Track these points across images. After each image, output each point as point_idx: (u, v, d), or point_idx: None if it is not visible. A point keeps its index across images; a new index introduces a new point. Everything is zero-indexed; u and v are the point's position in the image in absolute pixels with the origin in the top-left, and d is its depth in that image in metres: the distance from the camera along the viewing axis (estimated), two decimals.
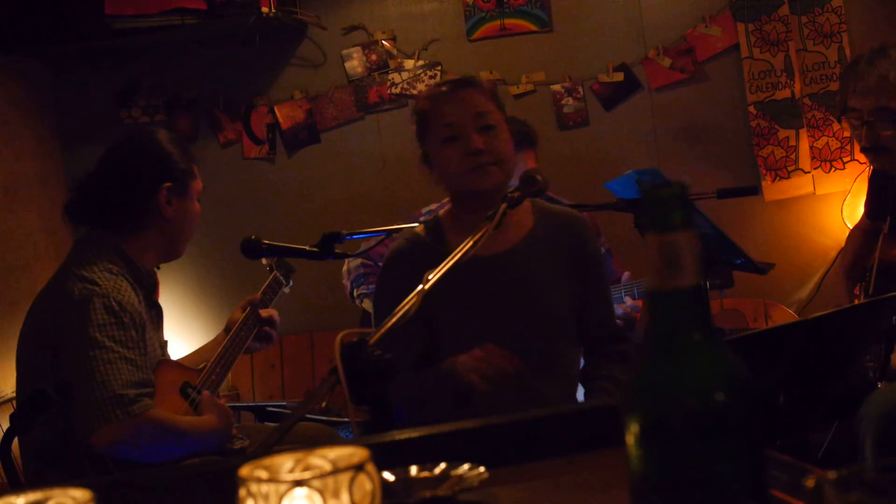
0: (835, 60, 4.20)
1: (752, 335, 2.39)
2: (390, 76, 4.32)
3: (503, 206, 1.95)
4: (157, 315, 2.59)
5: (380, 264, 3.58)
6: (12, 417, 2.31)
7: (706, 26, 4.23)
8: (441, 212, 2.40)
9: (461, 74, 4.27)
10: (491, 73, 4.24)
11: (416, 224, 2.50)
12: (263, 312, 2.76)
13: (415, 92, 4.32)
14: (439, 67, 4.31)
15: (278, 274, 2.89)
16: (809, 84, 4.23)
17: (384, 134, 4.34)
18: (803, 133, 4.22)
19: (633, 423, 0.77)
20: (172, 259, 2.65)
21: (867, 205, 3.14)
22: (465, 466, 1.17)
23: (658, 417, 0.76)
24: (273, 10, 3.88)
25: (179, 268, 3.79)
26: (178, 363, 2.59)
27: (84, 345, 2.28)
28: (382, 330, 1.59)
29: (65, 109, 4.35)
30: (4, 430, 2.34)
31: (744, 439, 0.76)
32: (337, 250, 2.53)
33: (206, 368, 2.58)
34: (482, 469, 1.15)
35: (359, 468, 0.79)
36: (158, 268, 2.62)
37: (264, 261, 2.90)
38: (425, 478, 1.16)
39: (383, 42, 4.32)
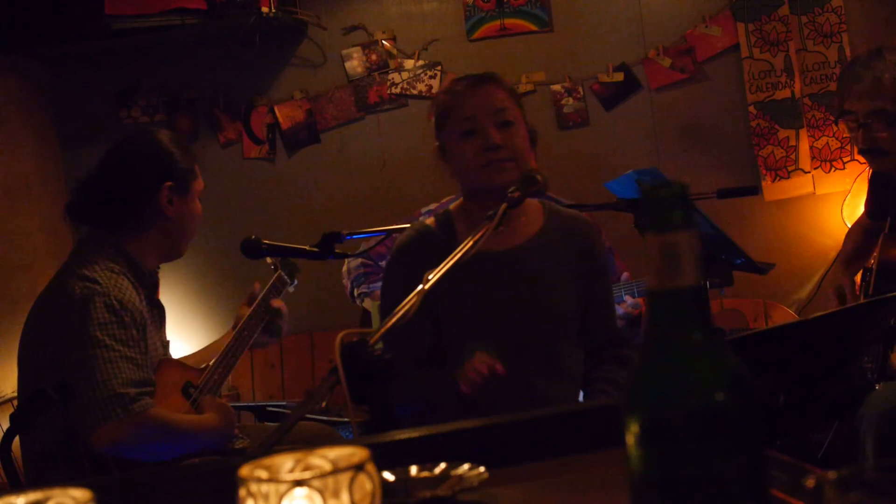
0: (835, 60, 4.20)
1: (752, 335, 2.39)
2: (390, 76, 4.32)
3: (503, 205, 1.95)
4: (158, 314, 2.59)
5: (380, 264, 3.60)
6: (12, 417, 2.31)
7: (706, 26, 4.23)
8: (451, 206, 2.41)
9: (461, 74, 4.29)
10: None
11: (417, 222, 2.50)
12: (274, 302, 2.76)
13: (415, 92, 4.32)
14: (439, 67, 4.31)
15: (283, 273, 2.89)
16: (809, 84, 4.23)
17: (384, 134, 4.34)
18: (803, 133, 4.22)
19: (633, 423, 0.77)
20: (174, 259, 2.65)
21: (867, 204, 3.14)
22: (465, 466, 1.17)
23: (658, 417, 0.76)
24: (273, 10, 3.88)
25: (179, 268, 3.79)
26: (180, 362, 2.59)
27: (85, 343, 2.28)
28: (382, 329, 1.59)
29: (65, 109, 4.35)
30: (4, 430, 2.34)
31: (744, 439, 0.75)
32: (337, 250, 2.53)
33: (209, 368, 2.58)
34: (482, 469, 1.15)
35: (359, 468, 0.79)
36: (158, 268, 2.62)
37: (269, 260, 2.91)
38: (425, 478, 1.16)
39: (383, 42, 4.32)
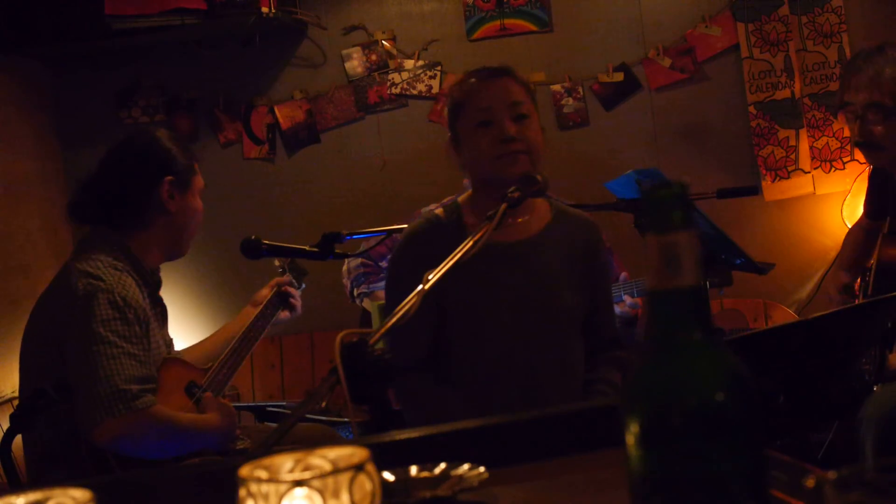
0: (835, 60, 4.20)
1: (752, 335, 2.39)
2: (390, 76, 4.32)
3: (503, 205, 1.95)
4: (161, 313, 2.60)
5: (380, 264, 3.60)
6: (12, 417, 2.31)
7: (706, 26, 4.23)
8: (460, 198, 2.41)
9: (461, 74, 4.29)
10: None
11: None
12: (284, 289, 2.82)
13: (415, 92, 4.32)
14: (439, 67, 4.31)
15: (290, 276, 2.91)
16: (809, 84, 4.23)
17: (384, 134, 4.34)
18: (803, 133, 4.22)
19: (633, 423, 0.77)
20: (177, 256, 2.65)
21: (867, 204, 3.15)
22: (465, 466, 1.17)
23: (658, 417, 0.76)
24: (273, 10, 3.88)
25: (179, 267, 3.79)
26: (184, 361, 2.60)
27: (88, 339, 2.28)
28: (382, 330, 1.59)
29: (65, 109, 4.35)
30: (4, 430, 2.34)
31: (744, 439, 0.75)
32: (337, 250, 2.53)
33: (213, 367, 2.59)
34: (482, 469, 1.15)
35: (359, 468, 0.79)
36: (158, 267, 2.63)
37: (277, 262, 2.93)
38: (425, 478, 1.16)
39: (383, 42, 4.32)
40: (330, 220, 4.04)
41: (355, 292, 3.66)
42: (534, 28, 4.28)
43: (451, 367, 2.31)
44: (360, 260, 3.60)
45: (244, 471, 0.79)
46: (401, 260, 2.35)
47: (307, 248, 2.52)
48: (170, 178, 2.52)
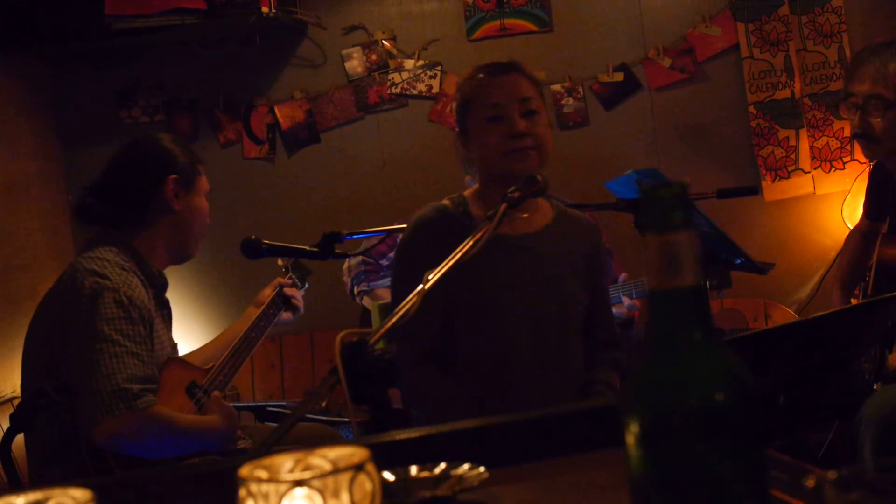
0: (835, 60, 4.20)
1: (752, 335, 2.39)
2: (390, 76, 4.32)
3: (503, 206, 1.95)
4: (167, 314, 2.60)
5: (381, 262, 3.60)
6: (12, 417, 2.31)
7: (706, 26, 4.23)
8: (466, 192, 2.42)
9: (461, 75, 4.30)
10: None
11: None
12: (287, 291, 2.83)
13: (415, 92, 4.32)
14: (439, 67, 4.31)
15: (294, 276, 2.91)
16: (809, 84, 4.23)
17: (384, 134, 4.34)
18: (803, 133, 4.22)
19: (633, 423, 0.77)
20: (184, 259, 2.66)
21: (866, 204, 3.15)
22: (465, 466, 1.17)
23: (658, 417, 0.76)
24: (273, 10, 3.88)
25: (179, 267, 3.77)
26: (185, 361, 2.60)
27: (91, 337, 2.29)
28: (383, 329, 1.59)
29: (65, 109, 4.35)
30: (5, 430, 2.34)
31: (744, 439, 0.75)
32: (337, 250, 2.53)
33: (214, 368, 2.60)
34: (482, 469, 1.15)
35: (359, 468, 0.79)
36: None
37: (280, 262, 2.93)
38: (425, 478, 1.16)
39: (383, 42, 4.32)
40: (330, 220, 4.05)
41: (356, 290, 3.66)
42: (534, 28, 4.28)
43: (457, 358, 2.31)
44: (360, 258, 3.60)
45: (244, 471, 0.79)
46: (410, 245, 2.36)
47: (307, 248, 2.53)
48: (174, 177, 2.53)
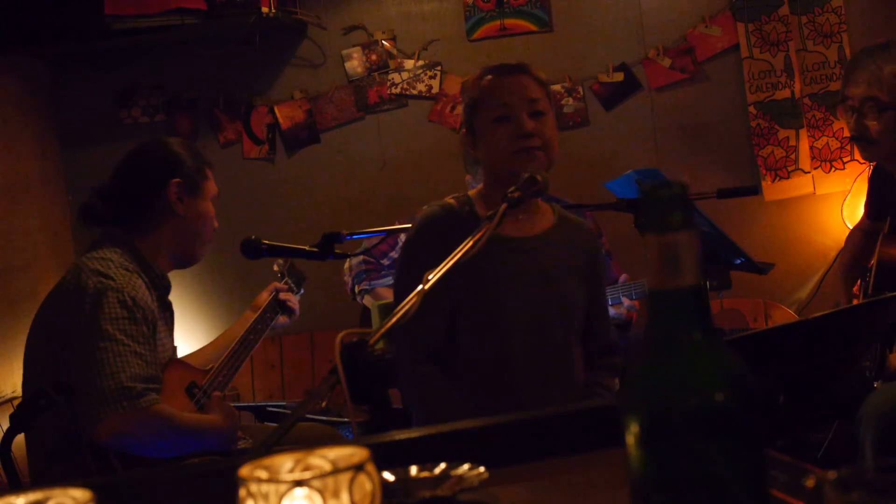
0: (835, 60, 4.20)
1: (752, 335, 2.39)
2: (390, 76, 4.32)
3: (503, 206, 1.95)
4: (169, 317, 2.61)
5: (381, 262, 3.60)
6: (12, 417, 2.31)
7: (706, 26, 4.23)
8: (471, 192, 2.43)
9: (461, 74, 4.31)
10: None
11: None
12: (283, 295, 2.85)
13: (415, 92, 4.32)
14: (439, 67, 4.31)
15: (289, 281, 2.92)
16: (809, 84, 4.23)
17: (384, 134, 4.34)
18: (803, 133, 4.22)
19: (633, 423, 0.77)
20: (189, 263, 2.65)
21: (867, 205, 3.15)
22: (465, 466, 1.17)
23: (658, 417, 0.76)
24: (273, 10, 3.88)
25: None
26: (184, 363, 2.61)
27: (95, 336, 2.29)
28: (382, 329, 1.59)
29: (65, 109, 4.35)
30: (4, 430, 2.34)
31: (744, 439, 0.75)
32: (337, 250, 2.53)
33: (214, 369, 2.61)
34: (482, 469, 1.15)
35: (359, 468, 0.79)
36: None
37: (276, 267, 2.94)
38: (425, 478, 1.16)
39: (383, 42, 4.32)
40: (330, 220, 4.05)
41: (356, 289, 3.66)
42: (534, 28, 4.28)
43: (457, 358, 2.32)
44: (361, 257, 3.60)
45: (244, 471, 0.79)
46: (416, 243, 2.36)
47: (307, 248, 2.53)
48: (177, 180, 2.53)
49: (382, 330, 1.58)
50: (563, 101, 4.27)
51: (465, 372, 2.31)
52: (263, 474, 0.80)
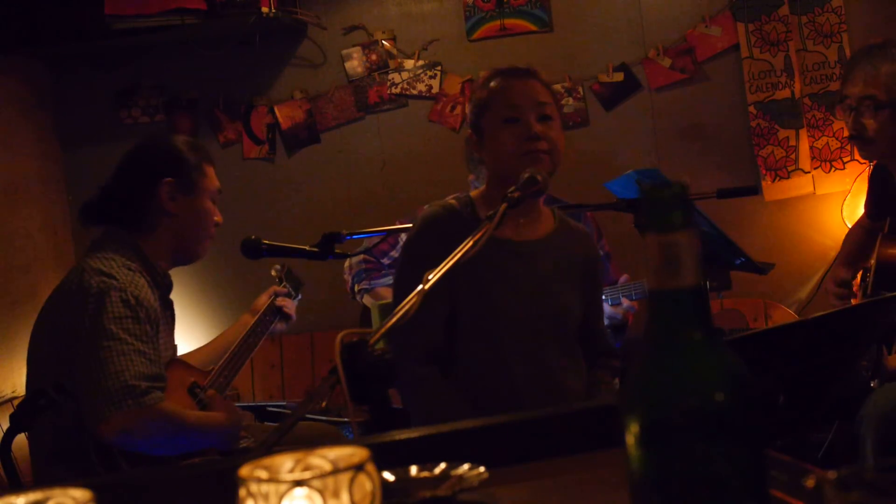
0: (835, 60, 4.20)
1: (752, 335, 2.39)
2: (390, 76, 4.32)
3: (503, 206, 1.95)
4: (170, 316, 2.61)
5: (382, 261, 3.60)
6: (12, 417, 2.31)
7: (706, 26, 4.23)
8: (472, 193, 2.43)
9: (461, 74, 4.31)
10: None
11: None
12: (279, 301, 2.87)
13: (415, 92, 4.32)
14: (439, 67, 4.31)
15: (288, 285, 2.93)
16: (809, 84, 4.23)
17: (384, 134, 4.34)
18: (803, 133, 4.22)
19: (633, 423, 0.77)
20: (189, 261, 2.66)
21: (867, 205, 3.15)
22: (465, 466, 1.17)
23: (658, 417, 0.76)
24: (273, 10, 3.88)
25: (178, 268, 3.79)
26: (186, 363, 2.61)
27: (99, 335, 2.29)
28: (382, 329, 1.59)
29: (65, 109, 4.35)
30: (4, 430, 2.34)
31: (744, 439, 0.75)
32: (337, 250, 2.54)
33: (215, 370, 2.61)
34: (482, 469, 1.15)
35: (359, 468, 0.79)
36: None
37: (274, 272, 2.94)
38: (425, 478, 1.16)
39: (383, 42, 4.32)
40: (330, 220, 4.05)
41: (356, 288, 3.66)
42: (534, 28, 4.28)
43: (456, 360, 2.32)
44: (362, 256, 3.60)
45: (244, 471, 0.79)
46: (417, 243, 2.36)
47: (307, 248, 2.53)
48: (169, 180, 2.53)
49: (382, 330, 1.58)
50: (563, 101, 4.27)
51: (463, 374, 2.31)
52: (263, 474, 0.80)
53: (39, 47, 4.00)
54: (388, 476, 1.15)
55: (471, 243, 1.80)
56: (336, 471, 0.79)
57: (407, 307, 1.61)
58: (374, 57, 4.33)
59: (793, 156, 4.22)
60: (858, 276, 3.09)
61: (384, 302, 3.30)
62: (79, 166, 4.28)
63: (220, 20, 3.87)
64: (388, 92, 4.32)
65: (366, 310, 3.65)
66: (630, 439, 0.77)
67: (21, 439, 2.42)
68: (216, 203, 2.65)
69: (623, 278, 3.32)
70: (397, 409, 2.36)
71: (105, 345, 2.28)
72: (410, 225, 2.51)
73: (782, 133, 4.22)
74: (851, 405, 2.51)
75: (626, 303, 3.23)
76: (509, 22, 4.28)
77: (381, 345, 1.59)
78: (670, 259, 0.77)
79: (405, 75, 4.32)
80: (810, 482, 0.68)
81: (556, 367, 2.33)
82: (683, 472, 0.75)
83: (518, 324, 2.30)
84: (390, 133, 4.33)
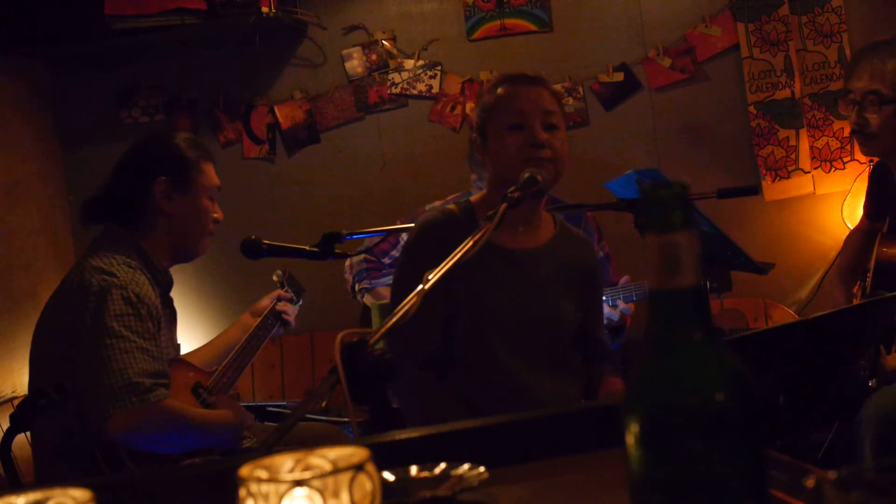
0: (835, 60, 4.20)
1: (752, 335, 2.39)
2: (390, 76, 4.32)
3: (503, 206, 1.95)
4: (171, 314, 2.61)
5: (383, 260, 3.60)
6: (12, 417, 2.31)
7: (706, 26, 4.23)
8: (472, 198, 2.43)
9: (461, 74, 4.31)
10: (491, 73, 4.24)
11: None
12: (280, 306, 2.87)
13: (415, 92, 4.32)
14: (439, 67, 4.31)
15: (289, 290, 2.93)
16: (809, 84, 4.23)
17: (384, 134, 4.34)
18: (803, 133, 4.22)
19: (633, 423, 0.77)
20: (187, 258, 2.66)
21: (866, 205, 3.15)
22: (465, 466, 1.17)
23: (658, 417, 0.76)
24: (273, 10, 3.88)
25: (178, 267, 3.78)
26: (189, 363, 2.61)
27: (101, 333, 2.29)
28: (382, 329, 1.59)
29: (65, 109, 4.34)
30: (4, 430, 2.34)
31: (744, 439, 0.75)
32: (337, 250, 2.54)
33: (219, 370, 2.62)
34: (482, 469, 1.15)
35: (359, 468, 0.79)
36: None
37: (275, 277, 2.95)
38: (425, 478, 1.16)
39: (383, 42, 4.32)
40: (330, 220, 4.04)
41: (357, 287, 3.66)
42: (534, 28, 4.28)
43: (452, 364, 2.32)
44: (363, 255, 3.60)
45: (244, 471, 0.79)
46: (415, 247, 2.36)
47: (307, 248, 2.53)
48: (163, 178, 2.53)
49: (382, 330, 1.58)
50: (563, 101, 4.27)
51: (459, 378, 2.31)
52: (263, 474, 0.80)
53: (39, 47, 4.00)
54: (388, 476, 1.15)
55: (471, 243, 1.80)
56: (336, 471, 0.79)
57: (407, 307, 1.61)
58: (374, 57, 4.33)
59: (793, 156, 4.22)
60: (858, 283, 3.10)
61: (384, 302, 3.30)
62: (79, 166, 4.28)
63: (220, 20, 3.87)
64: (388, 92, 4.32)
65: (366, 310, 3.65)
66: (630, 439, 0.77)
67: (21, 439, 2.42)
68: (215, 200, 2.65)
69: (623, 279, 3.32)
70: (397, 409, 2.36)
71: (107, 343, 2.28)
72: (411, 225, 2.51)
73: (782, 133, 4.22)
74: (852, 405, 2.51)
75: (622, 305, 3.22)
76: (509, 22, 4.28)
77: (381, 345, 1.59)
78: (670, 259, 0.77)
79: (405, 75, 4.32)
80: (810, 482, 0.68)
81: (551, 374, 2.33)
82: (683, 472, 0.75)
83: (513, 330, 2.30)
84: (390, 133, 4.33)
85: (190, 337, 4.12)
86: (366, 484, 0.79)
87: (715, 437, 0.75)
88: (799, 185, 4.22)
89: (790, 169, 4.22)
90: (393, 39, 4.33)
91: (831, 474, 0.67)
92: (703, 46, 4.24)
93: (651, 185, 0.78)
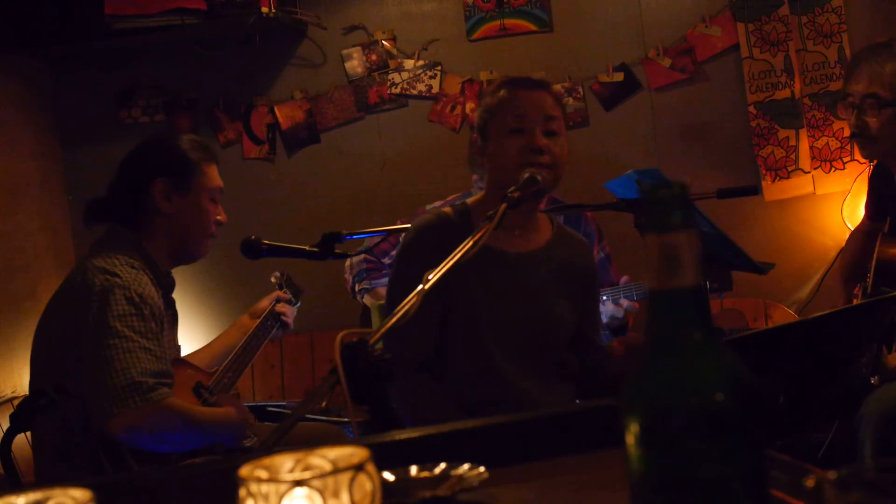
0: (835, 60, 4.20)
1: (752, 335, 2.39)
2: (390, 76, 4.32)
3: (503, 206, 1.95)
4: (173, 316, 2.61)
5: (383, 261, 3.60)
6: (12, 417, 2.31)
7: (706, 26, 4.23)
8: (469, 200, 2.43)
9: (461, 75, 4.31)
10: (491, 73, 4.24)
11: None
12: (279, 307, 2.87)
13: (415, 92, 4.32)
14: (439, 67, 4.31)
15: (287, 292, 2.93)
16: (809, 84, 4.23)
17: (384, 134, 4.34)
18: (803, 133, 4.22)
19: (633, 423, 0.77)
20: (188, 260, 2.66)
21: (867, 205, 3.15)
22: (465, 466, 1.17)
23: (658, 417, 0.76)
24: (273, 10, 3.88)
25: (178, 267, 3.79)
26: (190, 363, 2.62)
27: (104, 333, 2.29)
28: (382, 329, 1.59)
29: (65, 109, 4.35)
30: (5, 430, 2.34)
31: (744, 439, 0.75)
32: (337, 250, 2.54)
33: (220, 370, 2.62)
34: (482, 469, 1.15)
35: (359, 468, 0.79)
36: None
37: (273, 279, 2.95)
38: (425, 478, 1.16)
39: (383, 42, 4.32)
40: (330, 220, 4.04)
41: (357, 287, 3.66)
42: (534, 28, 4.28)
43: (447, 368, 2.32)
44: (363, 256, 3.60)
45: (244, 471, 0.79)
46: (409, 251, 2.36)
47: (307, 248, 2.53)
48: (162, 179, 2.53)
49: (382, 330, 1.58)
50: (563, 101, 4.27)
51: (454, 381, 2.31)
52: (263, 474, 0.80)
53: (39, 47, 4.00)
54: (388, 476, 1.15)
55: (470, 244, 1.80)
56: (336, 471, 0.79)
57: (406, 307, 1.61)
58: (374, 57, 4.33)
59: (793, 156, 4.22)
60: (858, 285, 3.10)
61: (384, 302, 3.31)
62: (79, 166, 4.28)
63: (220, 20, 3.87)
64: (388, 92, 4.32)
65: (366, 310, 3.65)
66: (630, 439, 0.77)
67: (21, 439, 2.42)
68: (217, 202, 2.65)
69: (623, 280, 3.32)
70: (397, 409, 2.36)
71: (110, 343, 2.29)
72: (409, 225, 2.51)
73: (782, 133, 4.22)
74: (852, 405, 2.51)
75: (626, 303, 3.22)
76: (509, 22, 4.28)
77: (381, 345, 1.59)
78: (670, 259, 0.77)
79: (405, 75, 4.32)
80: (810, 482, 0.68)
81: (546, 377, 2.33)
82: (683, 472, 0.75)
83: (508, 334, 2.30)
84: (390, 133, 4.33)
85: (190, 337, 4.12)
86: (366, 484, 0.79)
87: (715, 437, 0.75)
88: (799, 185, 4.22)
89: (790, 169, 4.22)
90: (393, 39, 4.33)
91: (831, 474, 0.67)
92: (703, 46, 4.24)
93: (651, 185, 0.78)
